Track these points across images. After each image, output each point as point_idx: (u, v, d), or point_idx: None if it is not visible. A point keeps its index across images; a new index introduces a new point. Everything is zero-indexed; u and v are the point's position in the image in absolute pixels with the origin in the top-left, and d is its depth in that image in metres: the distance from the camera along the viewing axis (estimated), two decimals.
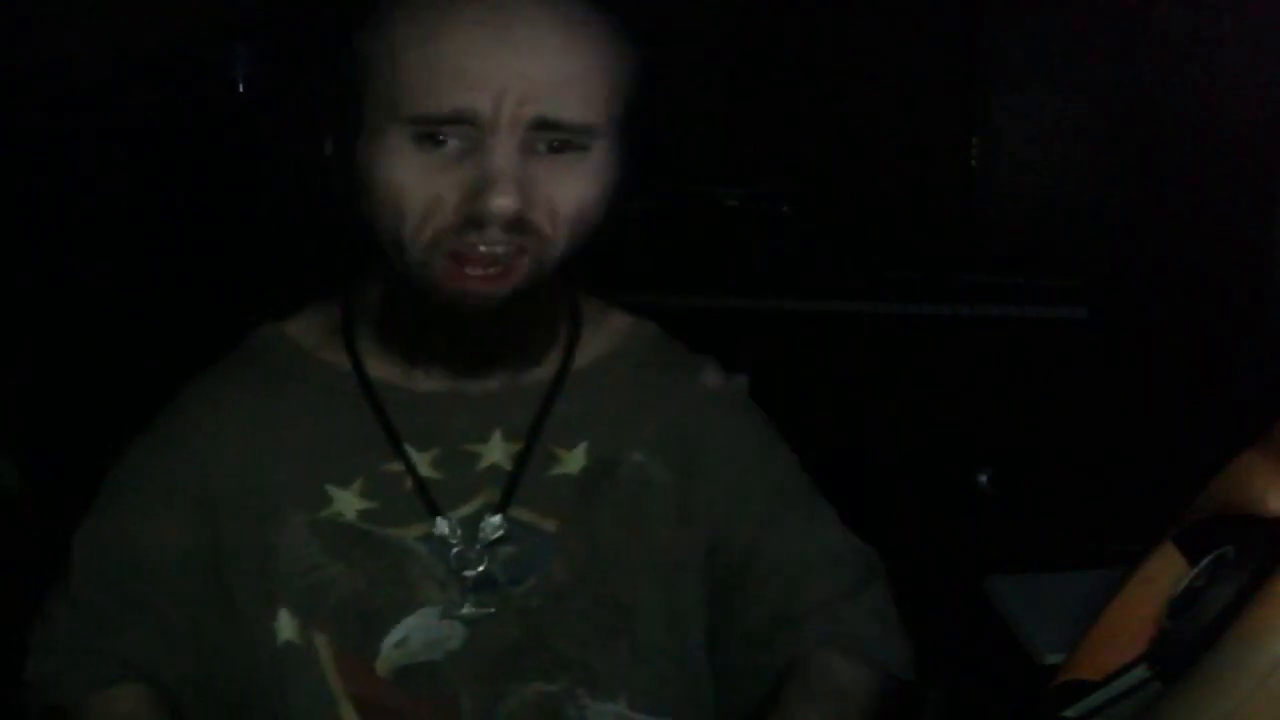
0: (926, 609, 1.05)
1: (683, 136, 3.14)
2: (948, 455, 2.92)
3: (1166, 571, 0.91)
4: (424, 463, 1.05)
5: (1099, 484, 2.82)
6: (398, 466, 1.04)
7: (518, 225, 0.95)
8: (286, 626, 1.01)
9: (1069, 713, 0.92)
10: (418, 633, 1.01)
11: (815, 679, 1.03)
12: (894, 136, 3.22)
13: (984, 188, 3.26)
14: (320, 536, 1.03)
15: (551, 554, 1.04)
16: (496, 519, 1.04)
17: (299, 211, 1.08)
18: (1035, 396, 2.96)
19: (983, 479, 2.84)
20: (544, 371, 1.08)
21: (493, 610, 1.02)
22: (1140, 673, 0.88)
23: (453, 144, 0.95)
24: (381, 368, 1.07)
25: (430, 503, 1.04)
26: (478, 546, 1.03)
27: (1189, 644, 0.82)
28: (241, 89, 2.95)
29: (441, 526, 1.03)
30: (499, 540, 1.03)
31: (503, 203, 0.93)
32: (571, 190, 0.97)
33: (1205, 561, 0.87)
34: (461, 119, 0.93)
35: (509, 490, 1.05)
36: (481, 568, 1.02)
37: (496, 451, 1.06)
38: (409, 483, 1.04)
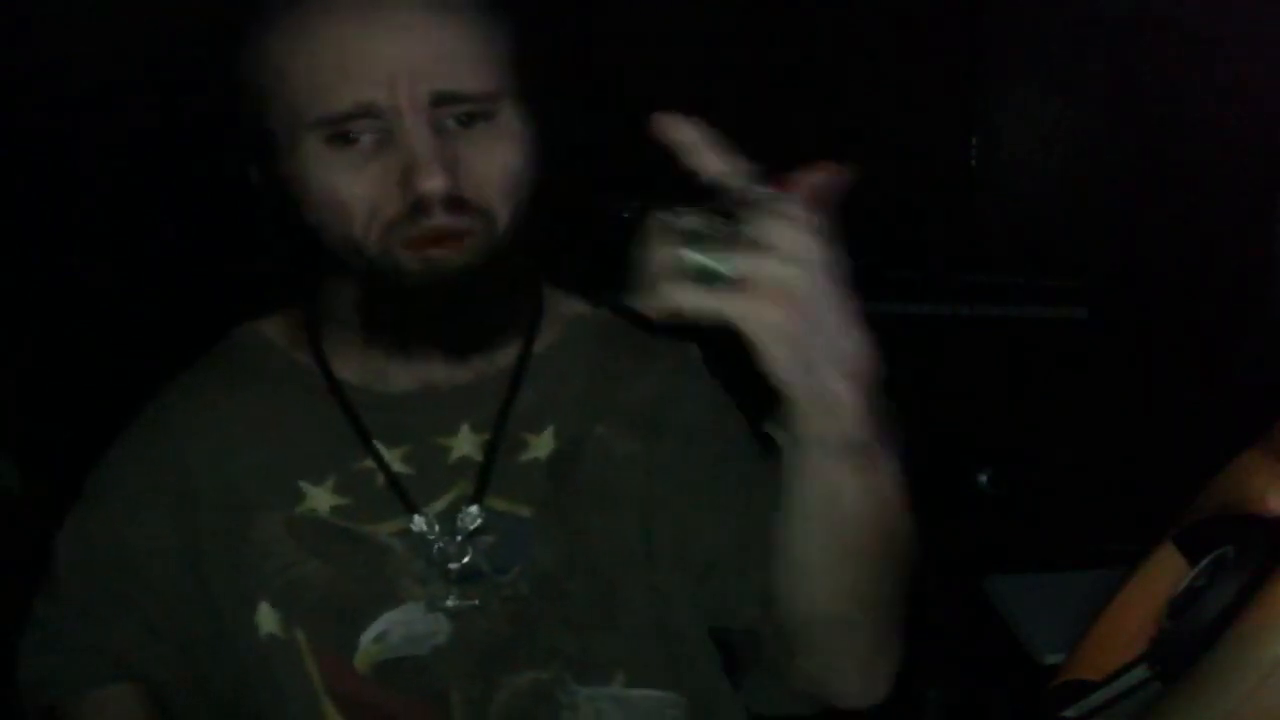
0: (926, 609, 1.05)
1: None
2: (948, 455, 2.92)
3: (1166, 571, 0.91)
4: (395, 459, 1.05)
5: (1099, 484, 2.82)
6: (369, 464, 1.05)
7: (456, 203, 0.96)
8: (268, 619, 1.02)
9: (1069, 713, 0.92)
10: (397, 628, 1.02)
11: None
12: (894, 136, 3.22)
13: (984, 188, 3.26)
14: (296, 532, 1.03)
15: (532, 540, 1.05)
16: (474, 509, 1.04)
17: (258, 225, 1.09)
18: (1035, 396, 2.96)
19: (983, 479, 2.84)
20: (506, 360, 1.09)
21: (477, 602, 1.02)
22: (1140, 673, 0.88)
23: (366, 138, 0.96)
24: (349, 368, 1.08)
25: (405, 498, 1.04)
26: (458, 539, 1.03)
27: (1189, 644, 0.82)
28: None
29: (419, 523, 1.03)
30: (478, 531, 1.04)
31: (432, 183, 0.94)
32: (493, 159, 0.98)
33: (1205, 561, 0.87)
34: (363, 112, 0.95)
35: (482, 480, 1.05)
36: (465, 560, 1.03)
37: (466, 443, 1.07)
38: (381, 479, 1.05)
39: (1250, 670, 0.74)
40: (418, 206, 0.95)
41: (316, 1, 0.97)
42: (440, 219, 0.95)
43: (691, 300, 0.75)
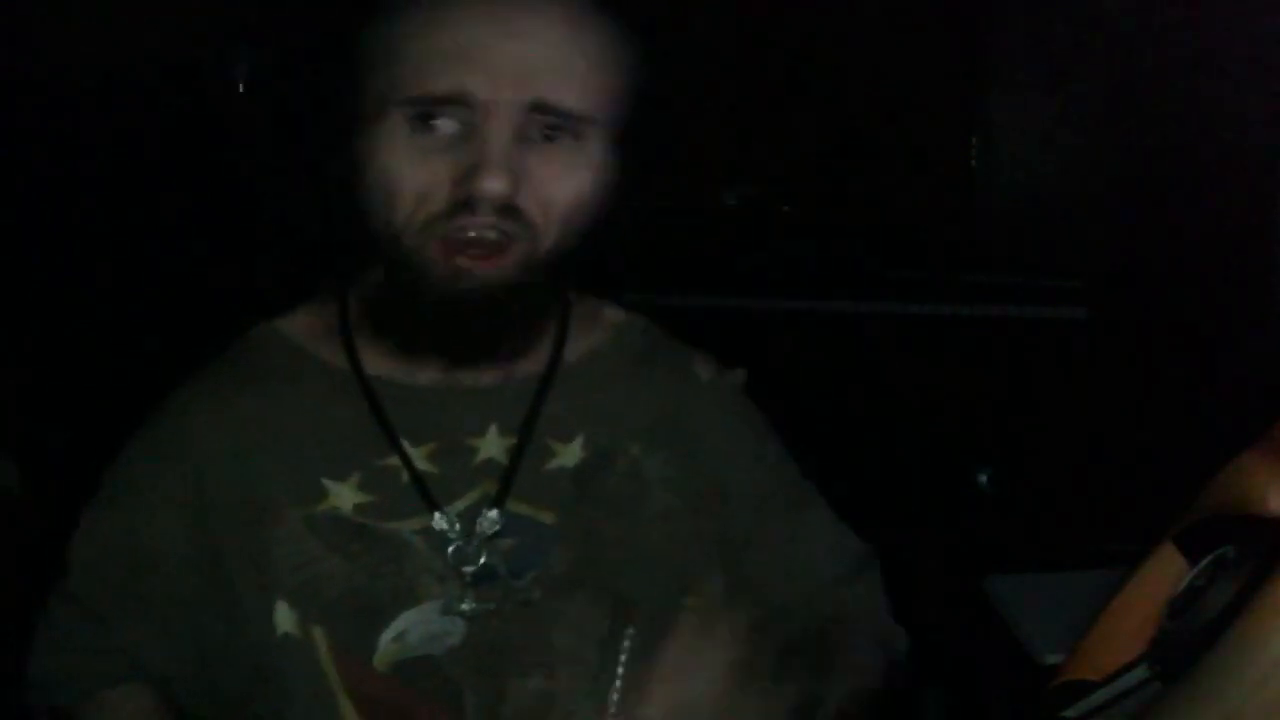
0: (926, 609, 1.05)
1: (683, 136, 3.14)
2: (948, 455, 2.92)
3: (1166, 571, 0.91)
4: (420, 457, 1.05)
5: (1099, 484, 2.82)
6: (394, 461, 1.05)
7: (508, 211, 0.96)
8: (285, 619, 1.02)
9: (1069, 713, 0.92)
10: (416, 627, 1.02)
11: (823, 655, 1.03)
12: (894, 136, 3.22)
13: (984, 188, 3.26)
14: (316, 530, 1.03)
15: (551, 546, 1.05)
16: (494, 513, 1.04)
17: (297, 210, 1.08)
18: (1035, 396, 2.97)
19: (983, 479, 2.85)
20: (537, 364, 1.09)
21: (492, 605, 1.02)
22: (1140, 673, 0.88)
23: (447, 127, 0.96)
24: (377, 363, 1.07)
25: (427, 497, 1.04)
26: (475, 542, 1.03)
27: (1189, 644, 0.82)
28: (242, 90, 2.95)
29: (440, 521, 1.03)
30: (497, 534, 1.04)
31: (493, 185, 0.94)
32: (565, 180, 0.98)
33: (1205, 561, 0.87)
34: (457, 100, 0.95)
35: (506, 484, 1.05)
36: (481, 562, 1.03)
37: (492, 446, 1.07)
38: (405, 477, 1.05)
39: (1250, 670, 0.74)
40: (466, 204, 0.95)
41: None
42: (485, 220, 0.95)
43: None
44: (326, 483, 1.04)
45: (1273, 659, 0.73)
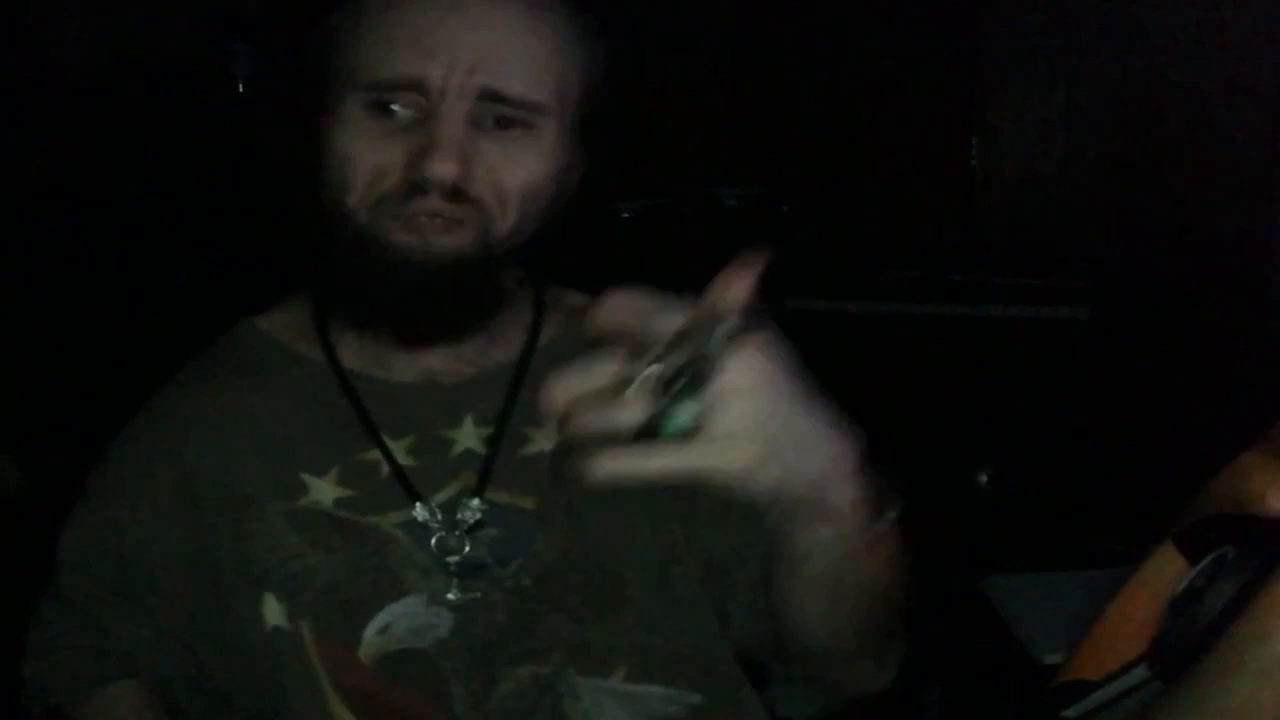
0: (926, 609, 1.05)
1: (683, 137, 3.14)
2: (948, 455, 2.92)
3: (1166, 571, 0.91)
4: (399, 450, 1.06)
5: (1099, 484, 2.82)
6: (373, 455, 1.05)
7: (458, 194, 0.97)
8: (273, 611, 1.02)
9: (1069, 713, 0.92)
10: (401, 620, 1.02)
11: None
12: (894, 136, 3.22)
13: (984, 188, 3.26)
14: (298, 525, 1.03)
15: (535, 532, 1.05)
16: (474, 503, 1.05)
17: (283, 204, 1.10)
18: (1035, 397, 2.96)
19: (983, 479, 2.84)
20: (509, 354, 1.09)
21: (479, 595, 1.02)
22: (1140, 673, 0.88)
23: (403, 113, 0.97)
24: (355, 358, 1.08)
25: (409, 489, 1.04)
26: (457, 532, 1.03)
27: (1189, 644, 0.82)
28: (241, 89, 2.95)
29: (421, 513, 1.04)
30: (480, 523, 1.04)
31: (443, 168, 0.95)
32: (517, 167, 0.99)
33: (1205, 561, 0.87)
34: (412, 85, 0.97)
35: (485, 473, 1.05)
36: (465, 552, 1.03)
37: (469, 436, 1.07)
38: (385, 470, 1.05)
39: (1250, 670, 0.74)
40: (418, 186, 0.96)
41: None
42: (434, 202, 0.97)
43: (661, 461, 0.69)
44: (306, 477, 1.04)
45: (1273, 659, 0.73)
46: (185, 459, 1.06)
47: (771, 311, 0.74)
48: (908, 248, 3.20)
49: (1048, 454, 2.92)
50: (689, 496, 1.06)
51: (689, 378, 0.68)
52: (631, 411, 0.67)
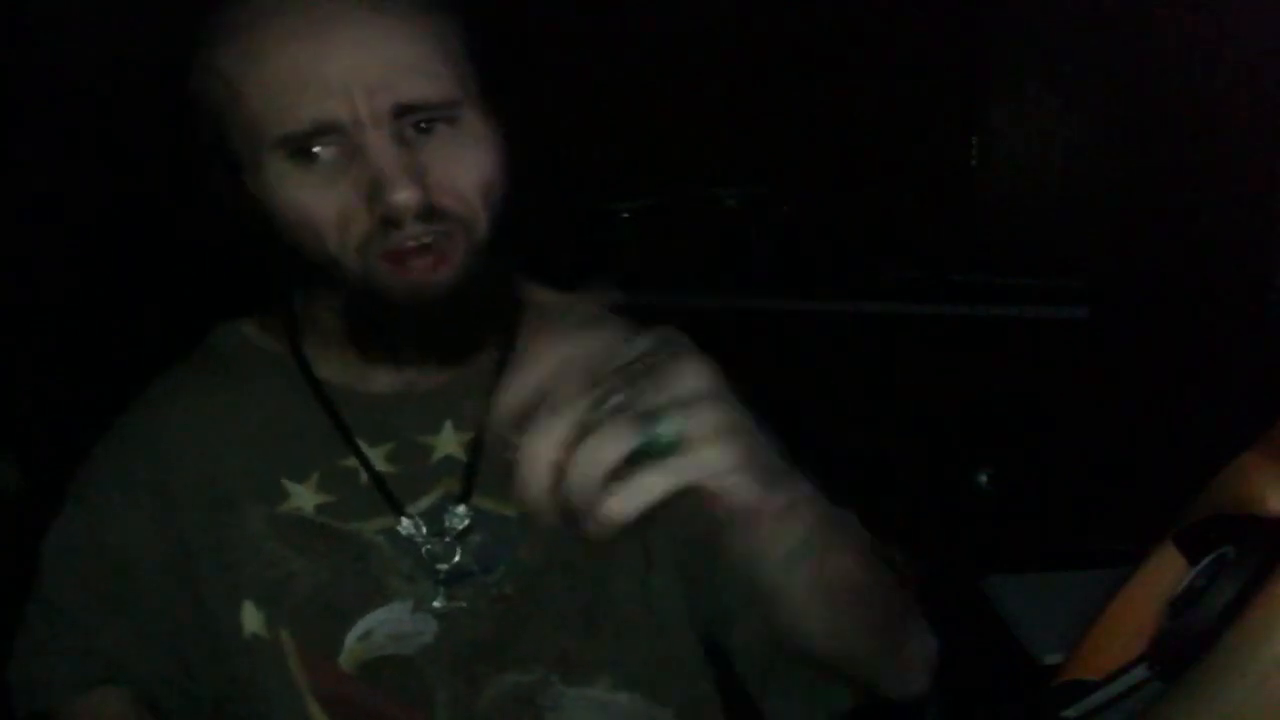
0: (926, 609, 1.05)
1: (683, 137, 3.14)
2: (948, 455, 2.92)
3: (1166, 571, 0.91)
4: (378, 457, 1.05)
5: (1099, 484, 2.82)
6: (352, 462, 1.05)
7: (430, 214, 0.95)
8: (252, 619, 1.02)
9: (1069, 713, 0.92)
10: (383, 627, 1.01)
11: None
12: (894, 136, 3.22)
13: (984, 188, 3.26)
14: (279, 531, 1.03)
15: (518, 539, 1.04)
16: (461, 509, 1.04)
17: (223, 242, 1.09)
18: (1035, 396, 2.96)
19: (983, 479, 2.84)
20: (487, 359, 1.08)
21: (465, 604, 1.02)
22: (1140, 673, 0.88)
23: (329, 154, 0.95)
24: (329, 368, 1.08)
25: (389, 496, 1.04)
26: (446, 539, 1.03)
27: (1189, 644, 0.82)
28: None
29: (406, 525, 1.03)
30: (466, 530, 1.03)
31: (404, 196, 0.93)
32: (461, 163, 0.97)
33: (1205, 561, 0.87)
34: (325, 129, 0.94)
35: (469, 480, 1.05)
36: (454, 560, 1.03)
37: (449, 442, 1.06)
38: (364, 477, 1.04)
39: (1250, 670, 0.74)
40: (388, 220, 0.94)
41: (264, 17, 0.95)
42: (413, 229, 0.95)
43: (662, 481, 0.68)
44: (286, 483, 1.04)
45: (1273, 659, 0.73)
46: (166, 463, 1.05)
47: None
48: (908, 248, 3.20)
49: (1048, 454, 2.92)
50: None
51: (652, 397, 0.69)
52: (617, 443, 0.67)
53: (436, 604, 1.02)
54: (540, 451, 0.67)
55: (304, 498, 1.04)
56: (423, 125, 0.96)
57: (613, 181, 3.14)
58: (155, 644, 1.04)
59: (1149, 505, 1.07)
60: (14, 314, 2.68)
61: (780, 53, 3.23)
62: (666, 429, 0.68)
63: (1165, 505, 0.96)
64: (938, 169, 3.26)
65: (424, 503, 1.04)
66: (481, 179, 0.98)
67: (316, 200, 0.95)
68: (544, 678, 1.02)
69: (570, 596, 1.04)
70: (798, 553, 0.82)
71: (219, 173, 1.01)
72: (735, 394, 0.74)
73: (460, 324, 1.01)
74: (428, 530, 1.03)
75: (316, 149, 0.94)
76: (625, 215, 3.16)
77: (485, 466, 1.05)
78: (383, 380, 1.07)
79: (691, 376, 0.70)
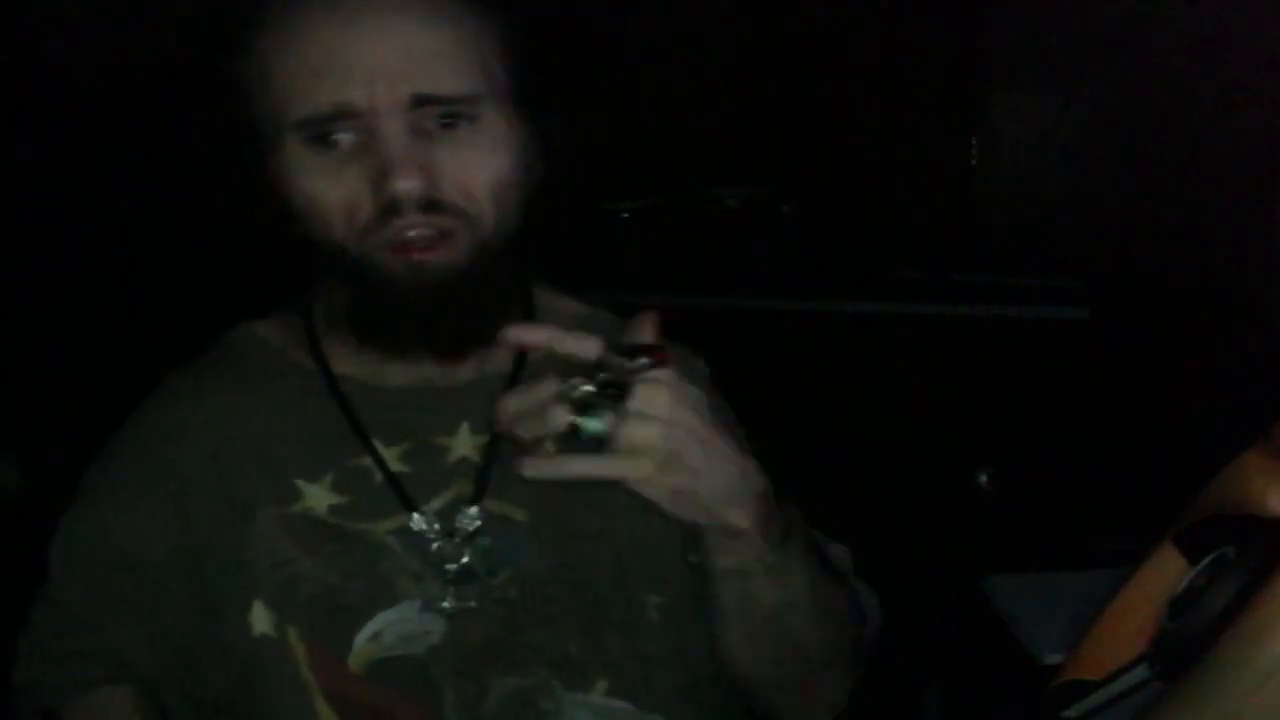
0: (926, 609, 1.05)
1: (683, 137, 3.14)
2: (948, 455, 2.92)
3: (1166, 571, 0.91)
4: (393, 457, 1.05)
5: (1099, 484, 2.82)
6: (366, 461, 1.05)
7: (432, 205, 0.96)
8: (261, 619, 1.01)
9: (1069, 713, 0.92)
10: (392, 627, 1.01)
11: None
12: (894, 136, 3.22)
13: (984, 188, 3.26)
14: (291, 531, 1.03)
15: (524, 544, 1.04)
16: (473, 511, 1.04)
17: (239, 233, 1.10)
18: (1035, 396, 2.96)
19: (983, 479, 2.84)
20: (504, 361, 1.08)
21: (474, 604, 1.02)
22: (1140, 673, 0.88)
23: (346, 141, 0.96)
24: (348, 365, 1.07)
25: (403, 496, 1.04)
26: (456, 540, 1.03)
27: (1189, 644, 0.82)
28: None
29: (419, 522, 1.03)
30: (476, 532, 1.04)
31: (405, 185, 0.95)
32: (478, 162, 0.98)
33: (1205, 561, 0.87)
34: (342, 113, 0.95)
35: (481, 482, 1.05)
36: (463, 561, 1.03)
37: (465, 444, 1.07)
38: (378, 476, 1.04)
39: (1250, 670, 0.74)
40: (391, 208, 0.95)
41: (301, 3, 0.98)
42: (413, 220, 0.96)
43: (576, 467, 0.85)
44: (300, 483, 1.04)
45: (1273, 659, 0.73)
46: (178, 463, 1.05)
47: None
48: (908, 248, 3.20)
49: (1048, 454, 2.92)
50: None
51: (607, 397, 0.84)
52: (554, 419, 0.84)
53: (446, 604, 1.02)
54: (509, 406, 0.86)
55: (317, 498, 1.04)
56: (445, 121, 0.97)
57: (613, 181, 3.13)
58: (162, 644, 1.04)
59: (1149, 505, 1.07)
60: (15, 314, 2.68)
61: (780, 53, 3.23)
62: (589, 425, 0.84)
63: (1165, 505, 0.96)
64: (938, 169, 3.26)
65: (436, 503, 1.05)
66: (494, 178, 0.99)
67: (326, 186, 0.97)
68: (545, 681, 1.02)
69: (571, 602, 1.04)
70: (729, 578, 0.94)
71: (243, 159, 1.02)
72: (732, 428, 0.88)
73: (462, 313, 1.01)
74: (440, 530, 1.03)
75: (334, 135, 0.96)
76: (625, 215, 3.16)
77: (498, 469, 1.05)
78: (398, 376, 1.07)
79: (655, 396, 0.84)
